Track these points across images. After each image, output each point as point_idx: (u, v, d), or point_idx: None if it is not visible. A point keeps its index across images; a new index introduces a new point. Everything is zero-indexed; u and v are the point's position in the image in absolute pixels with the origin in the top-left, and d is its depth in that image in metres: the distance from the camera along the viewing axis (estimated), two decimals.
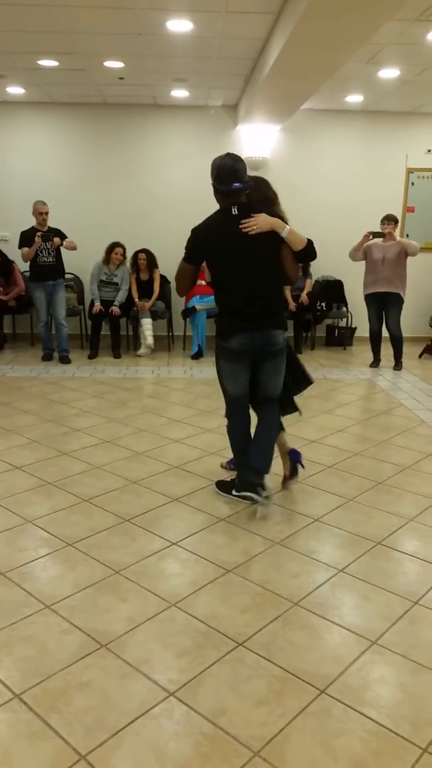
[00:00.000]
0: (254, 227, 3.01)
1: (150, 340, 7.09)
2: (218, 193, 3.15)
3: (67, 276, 7.10)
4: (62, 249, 6.71)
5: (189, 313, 7.16)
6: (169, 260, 7.52)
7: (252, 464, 3.22)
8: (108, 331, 7.13)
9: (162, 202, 7.73)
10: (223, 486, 3.51)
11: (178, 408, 5.20)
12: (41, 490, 3.54)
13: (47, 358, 6.97)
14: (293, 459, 3.53)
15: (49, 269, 6.75)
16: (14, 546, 2.91)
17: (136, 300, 7.21)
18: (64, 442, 4.34)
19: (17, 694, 1.98)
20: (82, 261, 7.24)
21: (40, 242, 6.55)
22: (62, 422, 4.76)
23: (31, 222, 6.72)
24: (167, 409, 5.18)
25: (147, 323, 7.10)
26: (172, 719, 1.88)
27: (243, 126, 7.42)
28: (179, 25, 4.70)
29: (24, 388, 5.75)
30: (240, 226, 3.03)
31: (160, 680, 2.04)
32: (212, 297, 7.10)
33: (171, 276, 7.56)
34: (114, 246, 7.09)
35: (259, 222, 3.03)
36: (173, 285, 7.49)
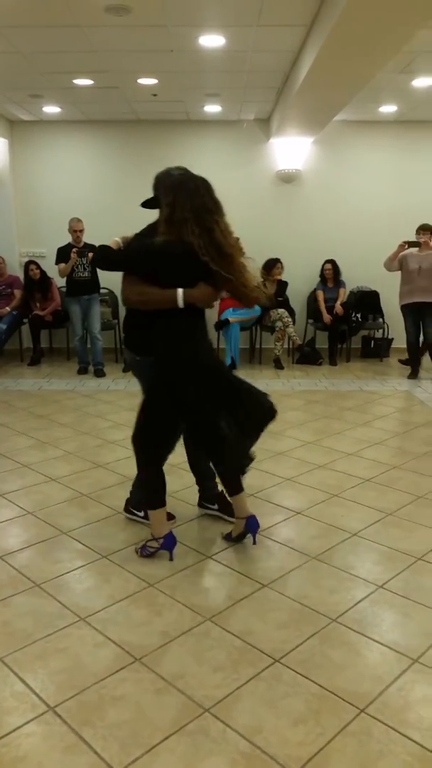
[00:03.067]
0: None
1: None
2: None
3: (101, 290, 7.18)
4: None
5: (222, 325, 7.16)
6: None
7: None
8: None
9: None
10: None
11: None
12: (77, 501, 3.55)
13: (83, 371, 7.04)
14: (248, 527, 2.98)
15: (84, 284, 6.85)
16: (50, 558, 2.92)
17: None
18: (99, 454, 4.36)
19: (51, 707, 1.96)
20: (116, 275, 7.27)
21: (76, 258, 6.66)
22: (97, 435, 4.78)
23: (68, 238, 6.83)
24: None
25: None
26: (207, 736, 1.84)
27: (276, 139, 7.44)
28: (211, 41, 4.75)
29: (60, 401, 5.81)
30: None
31: (195, 696, 2.00)
32: (246, 309, 7.17)
33: None
34: None
35: None
36: None
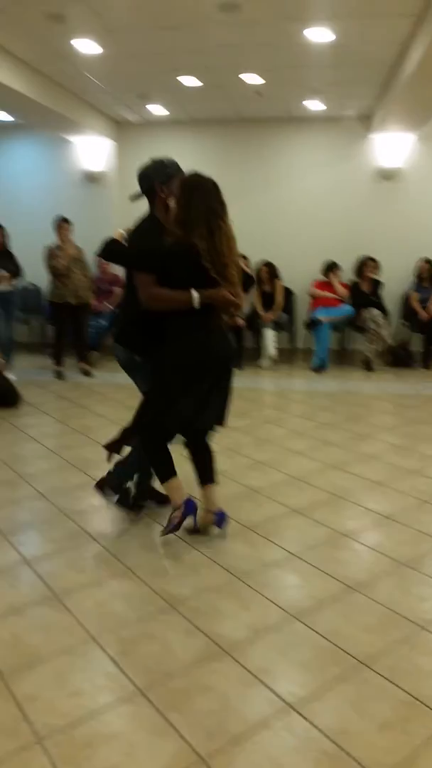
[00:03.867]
0: None
1: (272, 352, 7.11)
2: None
3: None
4: None
5: (313, 324, 7.10)
6: (295, 272, 7.52)
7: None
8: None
9: (288, 214, 7.74)
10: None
11: (299, 420, 5.16)
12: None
13: None
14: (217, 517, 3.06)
15: None
16: (141, 544, 3.02)
17: (260, 311, 7.26)
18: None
19: (141, 690, 2.04)
20: None
21: None
22: None
23: None
24: (288, 420, 5.16)
25: (270, 334, 7.12)
26: (292, 733, 1.86)
27: (376, 135, 7.27)
28: (318, 34, 4.70)
29: None
30: None
31: (280, 692, 2.02)
32: (338, 309, 7.08)
33: (296, 287, 7.57)
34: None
35: None
36: (298, 296, 7.57)
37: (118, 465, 3.25)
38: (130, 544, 3.02)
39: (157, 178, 2.93)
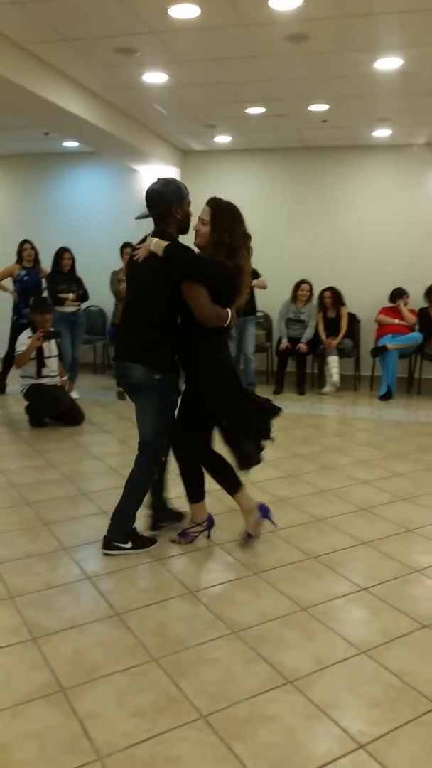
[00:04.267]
0: (138, 254, 2.93)
1: (336, 378, 7.00)
2: (178, 219, 3.04)
3: (257, 313, 7.31)
4: (254, 288, 6.95)
5: (379, 351, 6.96)
6: (361, 298, 7.43)
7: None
8: (294, 368, 7.17)
9: (354, 240, 7.69)
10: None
11: (365, 449, 5.03)
12: (227, 516, 3.58)
13: None
14: (262, 513, 3.19)
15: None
16: (203, 567, 2.98)
17: (323, 337, 7.18)
18: (250, 472, 4.38)
19: (203, 715, 1.98)
20: (272, 299, 7.41)
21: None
22: None
23: None
24: (353, 448, 5.03)
25: (333, 361, 7.03)
26: None
27: None
28: (387, 63, 4.70)
29: None
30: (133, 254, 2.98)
31: (349, 729, 1.92)
32: (406, 337, 6.92)
33: (361, 314, 7.47)
34: (300, 283, 7.18)
35: (143, 248, 2.91)
36: (362, 323, 7.46)
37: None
38: (190, 567, 2.98)
39: (173, 200, 2.99)
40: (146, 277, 2.90)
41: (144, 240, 2.97)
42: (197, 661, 2.25)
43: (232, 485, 3.15)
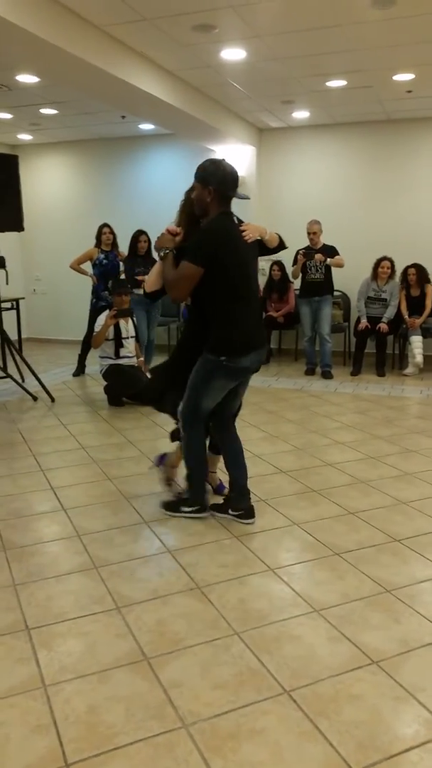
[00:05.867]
0: (250, 235, 2.94)
1: (419, 359, 6.75)
2: (216, 199, 2.92)
3: (335, 293, 7.15)
4: (331, 266, 6.81)
5: None
6: None
7: (242, 483, 3.22)
8: (373, 349, 6.98)
9: None
10: (171, 506, 3.31)
11: None
12: (306, 496, 3.55)
13: (310, 372, 7.07)
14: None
15: (317, 285, 6.88)
16: (282, 545, 2.95)
17: (406, 316, 6.94)
18: (328, 453, 4.32)
19: (287, 690, 1.97)
20: (351, 278, 7.23)
21: (303, 259, 6.76)
22: (325, 434, 4.75)
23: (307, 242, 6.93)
24: None
25: (417, 341, 6.78)
26: None
27: None
28: None
29: (288, 399, 5.90)
30: (242, 233, 2.94)
31: None
32: None
33: None
34: (381, 260, 6.95)
35: (252, 230, 2.97)
36: None
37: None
38: (270, 545, 2.96)
39: None
40: (256, 260, 3.10)
41: (231, 219, 2.99)
42: (279, 637, 2.23)
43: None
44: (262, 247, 3.12)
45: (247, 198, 3.14)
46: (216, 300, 2.92)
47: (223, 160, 2.99)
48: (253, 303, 3.02)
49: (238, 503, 3.21)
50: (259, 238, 3.00)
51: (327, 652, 2.15)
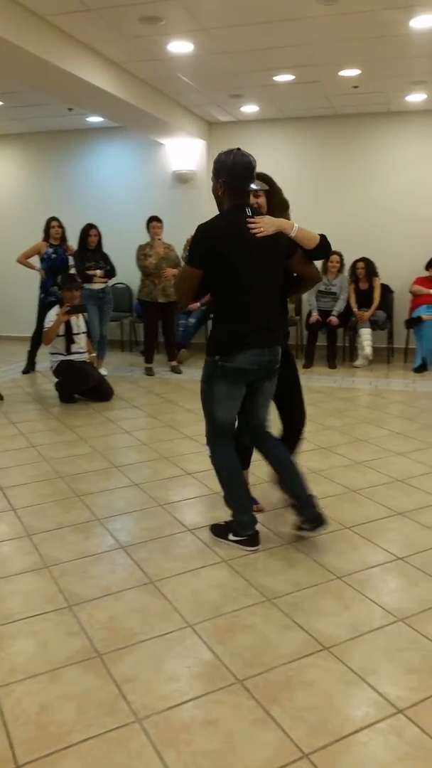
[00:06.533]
0: (261, 229, 2.65)
1: (368, 351, 6.88)
2: (228, 192, 2.73)
3: None
4: None
5: (414, 322, 6.82)
6: (392, 269, 7.28)
7: (299, 493, 2.84)
8: (324, 342, 7.08)
9: (387, 210, 7.50)
10: (218, 530, 2.97)
11: (400, 421, 4.95)
12: (260, 487, 3.56)
13: None
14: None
15: None
16: None
17: (355, 309, 7.06)
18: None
19: (239, 680, 1.98)
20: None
21: None
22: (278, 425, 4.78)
23: None
24: (387, 421, 4.95)
25: (366, 333, 6.91)
26: (402, 738, 1.73)
27: None
28: (424, 21, 4.51)
29: None
30: (249, 227, 2.66)
31: (387, 695, 1.90)
32: None
33: (395, 285, 7.32)
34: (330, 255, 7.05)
35: (265, 224, 2.67)
36: (396, 294, 7.31)
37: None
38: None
39: None
40: (276, 256, 2.75)
41: (251, 214, 2.70)
42: (232, 628, 2.24)
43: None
44: (294, 246, 2.78)
45: (256, 188, 2.79)
46: (218, 298, 2.77)
47: (238, 149, 2.75)
48: (260, 302, 2.72)
49: (303, 513, 2.84)
50: (272, 232, 2.68)
51: (279, 641, 2.17)
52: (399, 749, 1.69)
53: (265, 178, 2.99)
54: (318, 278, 3.05)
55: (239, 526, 2.87)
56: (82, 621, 2.30)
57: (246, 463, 3.17)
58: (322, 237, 2.78)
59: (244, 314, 2.71)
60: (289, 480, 2.87)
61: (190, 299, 2.82)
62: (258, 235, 2.64)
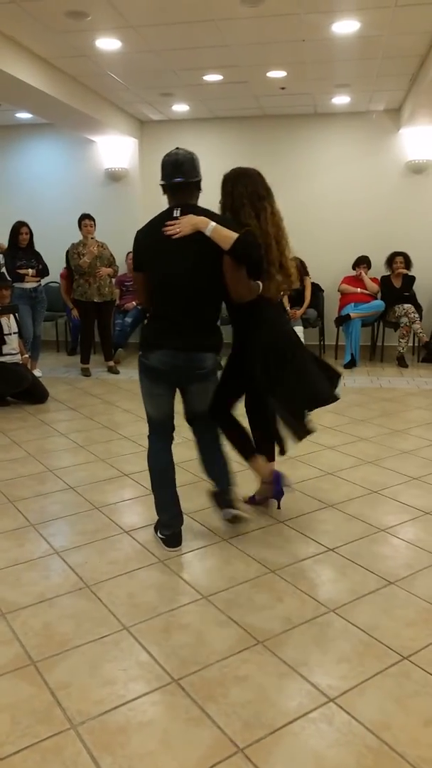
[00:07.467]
0: (177, 230, 2.56)
1: None
2: (165, 191, 2.73)
3: None
4: None
5: (343, 320, 7.01)
6: (324, 268, 7.44)
7: (222, 486, 2.93)
8: None
9: (316, 210, 7.66)
10: (155, 525, 2.98)
11: (330, 415, 5.07)
12: (196, 486, 3.59)
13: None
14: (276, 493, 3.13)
15: None
16: None
17: (287, 308, 7.18)
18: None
19: (175, 679, 1.99)
20: None
21: None
22: None
23: None
24: (317, 415, 5.04)
25: (298, 331, 7.03)
26: (332, 725, 1.79)
27: (406, 129, 7.17)
28: (345, 26, 4.63)
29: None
30: (164, 230, 2.59)
31: (319, 684, 1.95)
32: (368, 305, 6.98)
33: (325, 284, 7.49)
34: None
35: (183, 224, 2.56)
36: (326, 293, 7.49)
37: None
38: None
39: (200, 173, 2.82)
40: (200, 257, 2.60)
41: (170, 214, 2.63)
42: (168, 627, 2.26)
43: (247, 449, 3.08)
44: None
45: (180, 180, 2.68)
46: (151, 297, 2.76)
47: (177, 148, 2.75)
48: (172, 304, 2.65)
49: (220, 505, 2.96)
50: (189, 232, 2.56)
51: (215, 637, 2.20)
52: (330, 736, 1.75)
53: (245, 171, 3.17)
54: (250, 292, 2.69)
55: (159, 524, 2.92)
56: (15, 629, 2.26)
57: (269, 455, 3.15)
58: (238, 239, 2.53)
59: (158, 314, 2.75)
60: (213, 467, 2.98)
61: (142, 299, 2.86)
62: (174, 236, 2.57)
